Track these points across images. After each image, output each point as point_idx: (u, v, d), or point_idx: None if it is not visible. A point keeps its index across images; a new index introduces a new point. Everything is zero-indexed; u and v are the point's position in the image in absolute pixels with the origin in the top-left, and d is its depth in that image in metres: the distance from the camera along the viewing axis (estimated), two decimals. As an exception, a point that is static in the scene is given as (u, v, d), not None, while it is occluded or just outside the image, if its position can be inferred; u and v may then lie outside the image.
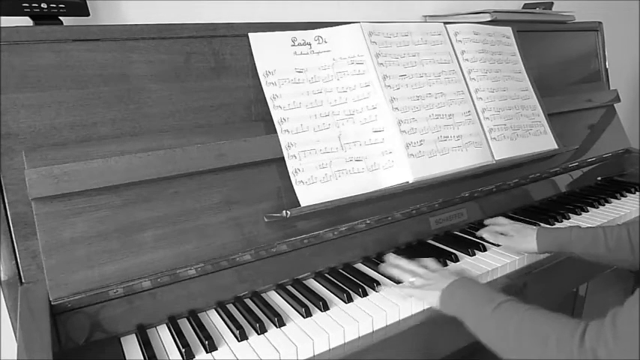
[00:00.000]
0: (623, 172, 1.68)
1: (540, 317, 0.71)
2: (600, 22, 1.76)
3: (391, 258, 1.02)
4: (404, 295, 0.92)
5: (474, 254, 1.11)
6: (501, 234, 1.14)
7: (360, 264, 1.09)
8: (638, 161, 1.67)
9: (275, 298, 0.96)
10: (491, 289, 0.83)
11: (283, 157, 1.00)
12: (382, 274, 1.01)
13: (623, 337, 0.60)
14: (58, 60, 0.85)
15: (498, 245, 1.14)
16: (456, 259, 1.08)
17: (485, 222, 1.22)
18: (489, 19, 1.45)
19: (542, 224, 1.26)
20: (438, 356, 0.93)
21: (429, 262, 0.99)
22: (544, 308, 0.73)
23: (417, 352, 0.90)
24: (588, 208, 1.39)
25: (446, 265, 1.06)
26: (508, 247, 1.11)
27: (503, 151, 1.30)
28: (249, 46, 1.03)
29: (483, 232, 1.16)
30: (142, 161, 0.87)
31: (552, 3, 1.81)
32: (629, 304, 0.62)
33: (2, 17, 0.91)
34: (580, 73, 1.70)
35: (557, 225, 1.28)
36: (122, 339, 0.84)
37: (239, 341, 0.82)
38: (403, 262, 0.99)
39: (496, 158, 1.28)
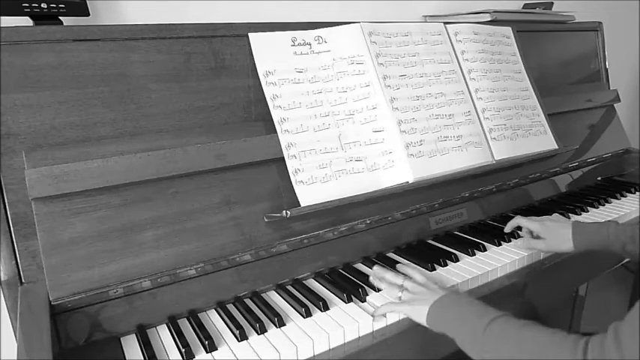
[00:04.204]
0: (623, 172, 1.68)
1: (537, 336, 0.68)
2: (600, 22, 1.76)
3: (376, 269, 0.97)
4: (389, 311, 0.88)
5: (474, 254, 1.11)
6: (530, 233, 1.12)
7: (360, 264, 1.09)
8: (638, 161, 1.67)
9: (275, 298, 0.96)
10: (480, 304, 0.79)
11: (283, 157, 1.00)
12: (370, 287, 0.97)
13: (627, 354, 0.59)
14: (58, 60, 0.85)
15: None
16: (456, 259, 1.08)
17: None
18: (489, 19, 1.45)
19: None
20: (438, 356, 0.93)
21: (415, 273, 0.95)
22: (537, 323, 0.71)
23: (417, 352, 0.90)
24: (588, 208, 1.39)
25: (446, 264, 1.06)
26: (541, 249, 1.08)
27: (503, 151, 1.30)
28: (249, 46, 1.03)
29: (507, 226, 1.14)
30: (141, 161, 0.87)
31: (552, 3, 1.81)
32: (630, 317, 0.61)
33: (2, 17, 0.91)
34: (580, 73, 1.70)
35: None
36: (122, 339, 0.84)
37: (239, 341, 0.82)
38: (389, 274, 0.94)
39: (496, 158, 1.28)
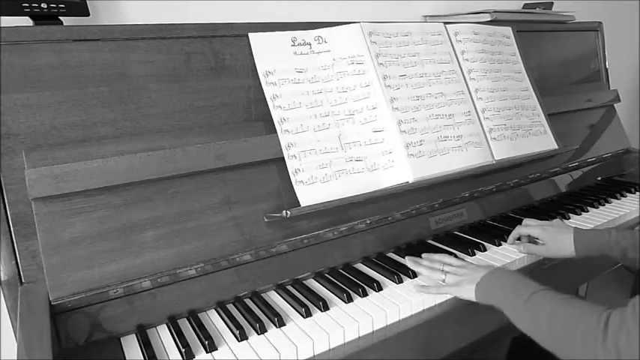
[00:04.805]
0: (623, 172, 1.68)
1: (569, 309, 0.72)
2: (600, 22, 1.76)
3: (409, 261, 1.01)
4: (439, 293, 0.94)
5: (474, 254, 1.11)
6: (529, 237, 1.12)
7: (360, 264, 1.09)
8: (638, 161, 1.67)
9: (275, 298, 0.96)
10: (524, 278, 0.84)
11: (283, 157, 1.00)
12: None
13: None
14: (58, 60, 0.85)
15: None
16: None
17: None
18: (489, 19, 1.45)
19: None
20: (438, 356, 0.93)
21: (446, 258, 0.99)
22: (575, 297, 0.75)
23: (417, 352, 0.90)
24: (588, 208, 1.39)
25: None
26: (541, 254, 1.09)
27: (503, 151, 1.30)
28: (249, 46, 1.03)
29: (510, 239, 1.14)
30: (141, 161, 0.87)
31: (552, 3, 1.81)
32: None
33: (2, 17, 0.91)
34: (580, 73, 1.70)
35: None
36: (122, 339, 0.84)
37: (239, 341, 0.82)
38: (425, 261, 1.00)
39: (496, 158, 1.28)
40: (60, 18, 0.95)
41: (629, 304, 0.65)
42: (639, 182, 1.58)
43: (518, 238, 1.15)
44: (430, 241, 1.19)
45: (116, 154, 0.86)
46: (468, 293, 0.90)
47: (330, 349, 0.83)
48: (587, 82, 1.72)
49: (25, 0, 0.90)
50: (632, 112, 2.58)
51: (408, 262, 1.02)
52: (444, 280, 0.94)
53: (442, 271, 0.96)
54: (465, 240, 1.19)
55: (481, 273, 0.89)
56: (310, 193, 1.00)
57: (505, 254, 1.11)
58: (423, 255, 1.04)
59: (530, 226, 1.11)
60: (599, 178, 1.62)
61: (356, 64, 1.13)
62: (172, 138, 0.93)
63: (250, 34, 1.03)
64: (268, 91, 1.02)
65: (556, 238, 1.05)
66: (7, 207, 0.81)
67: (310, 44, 1.09)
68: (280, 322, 0.86)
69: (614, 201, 1.45)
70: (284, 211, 0.96)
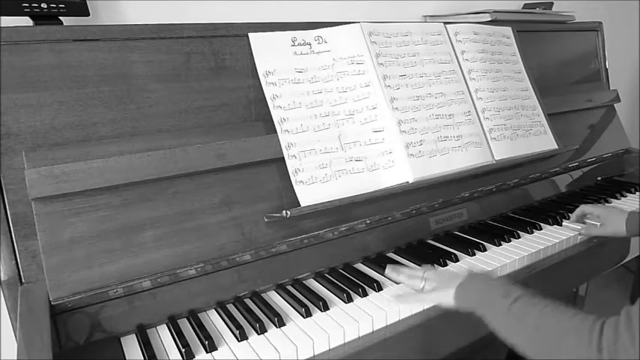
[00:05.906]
0: (623, 172, 1.68)
1: (558, 316, 0.70)
2: (600, 22, 1.76)
3: (391, 266, 0.98)
4: (417, 301, 0.91)
5: (474, 254, 1.11)
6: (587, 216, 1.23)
7: (360, 264, 1.09)
8: (638, 161, 1.67)
9: (275, 298, 0.96)
10: (506, 282, 0.81)
11: (283, 157, 1.00)
12: (390, 279, 0.98)
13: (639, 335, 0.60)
14: (58, 60, 0.85)
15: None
16: (456, 259, 1.08)
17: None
18: (489, 19, 1.45)
19: (542, 224, 1.26)
20: (438, 356, 0.93)
21: (428, 268, 0.94)
22: (560, 303, 0.73)
23: (417, 352, 0.90)
24: (588, 208, 1.39)
25: (445, 264, 1.06)
26: (598, 234, 1.19)
27: (503, 151, 1.30)
28: (249, 46, 1.03)
29: (573, 216, 1.25)
30: (142, 161, 0.87)
31: (552, 3, 1.81)
32: None
33: (2, 17, 0.91)
34: (580, 73, 1.70)
35: (556, 226, 1.28)
36: (122, 339, 0.84)
37: (239, 341, 0.82)
38: (406, 269, 0.95)
39: (496, 158, 1.28)
40: (60, 18, 0.95)
41: (622, 313, 0.64)
42: (639, 182, 1.58)
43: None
44: (430, 241, 1.19)
45: (116, 154, 0.86)
46: (447, 299, 0.85)
47: (330, 349, 0.83)
48: (587, 82, 1.72)
49: (25, 0, 0.90)
50: (632, 112, 2.58)
51: (388, 270, 0.97)
52: (422, 289, 0.91)
53: (422, 278, 0.92)
54: (465, 240, 1.19)
55: (458, 279, 0.86)
56: (310, 193, 1.00)
57: (505, 254, 1.10)
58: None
59: (592, 206, 1.23)
60: (599, 178, 1.62)
61: (356, 64, 1.13)
62: (172, 138, 0.93)
63: (250, 34, 1.03)
64: (268, 91, 1.02)
65: (612, 218, 1.16)
66: (7, 207, 0.81)
67: (310, 44, 1.10)
68: (280, 322, 0.86)
69: (614, 201, 1.45)
70: (284, 211, 0.96)
